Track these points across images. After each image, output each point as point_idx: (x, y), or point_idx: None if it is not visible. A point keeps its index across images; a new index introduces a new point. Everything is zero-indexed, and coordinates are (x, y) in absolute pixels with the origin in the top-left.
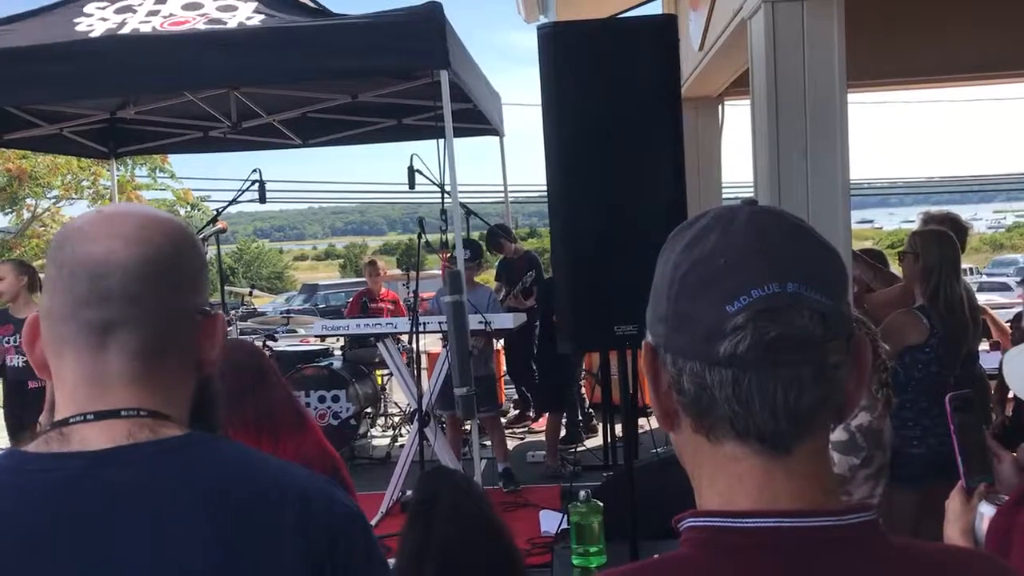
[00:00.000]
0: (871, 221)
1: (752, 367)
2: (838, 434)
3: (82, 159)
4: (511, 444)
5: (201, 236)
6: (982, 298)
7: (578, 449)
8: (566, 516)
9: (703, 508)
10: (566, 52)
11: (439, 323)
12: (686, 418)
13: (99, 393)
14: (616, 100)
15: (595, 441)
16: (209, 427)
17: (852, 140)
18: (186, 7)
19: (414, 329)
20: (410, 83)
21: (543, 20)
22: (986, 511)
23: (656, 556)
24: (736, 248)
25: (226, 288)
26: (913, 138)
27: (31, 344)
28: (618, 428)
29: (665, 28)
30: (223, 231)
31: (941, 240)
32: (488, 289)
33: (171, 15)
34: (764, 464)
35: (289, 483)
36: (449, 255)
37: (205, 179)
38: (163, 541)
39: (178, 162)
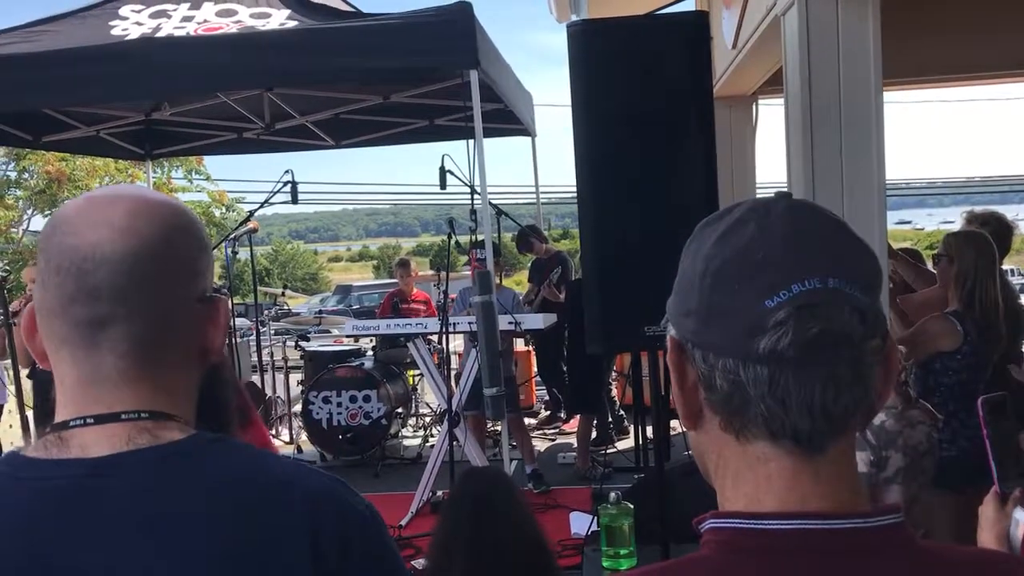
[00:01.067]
0: (909, 222)
1: (791, 364)
2: None
3: (120, 161)
4: (542, 445)
5: (233, 236)
6: None
7: (609, 451)
8: (596, 518)
9: (726, 509)
10: (596, 50)
11: (469, 324)
12: (714, 416)
13: (97, 393)
14: (647, 98)
15: (626, 443)
16: (218, 420)
17: (889, 139)
18: (220, 13)
19: (444, 329)
20: (441, 84)
21: (574, 19)
22: (1021, 517)
23: (673, 559)
24: (774, 242)
25: (259, 288)
26: (952, 137)
27: (31, 334)
28: (649, 430)
29: (696, 25)
30: (255, 231)
31: (977, 243)
32: (512, 292)
33: (205, 21)
34: (794, 465)
35: (296, 485)
36: (477, 255)
37: (240, 181)
38: (166, 552)
39: (213, 164)
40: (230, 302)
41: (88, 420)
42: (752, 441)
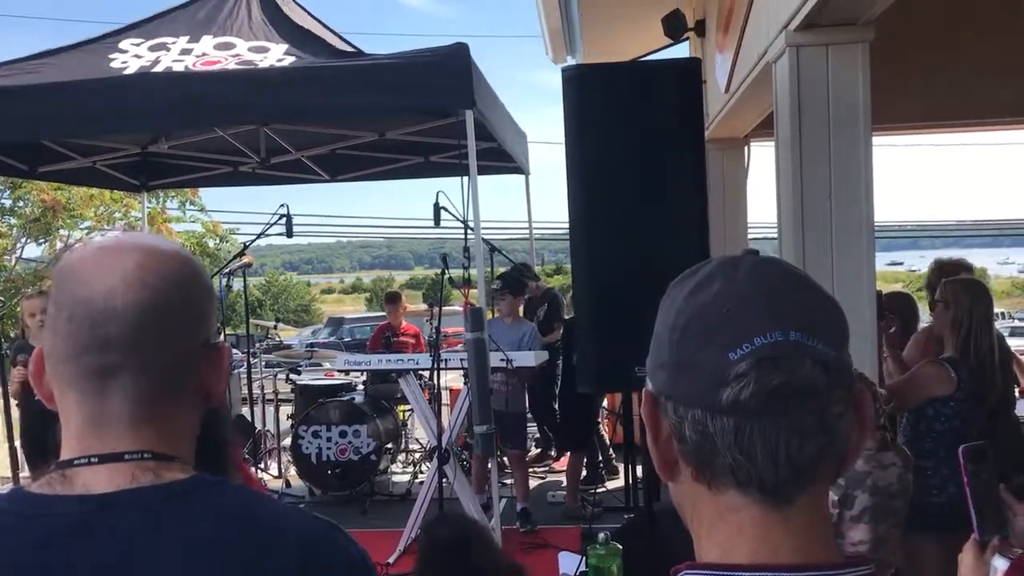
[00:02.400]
0: (901, 263)
1: (754, 415)
2: None
3: (115, 191)
4: (533, 483)
5: (227, 270)
6: (1014, 343)
7: (599, 490)
8: (584, 558)
9: (701, 560)
10: (590, 94)
11: (460, 360)
12: (687, 467)
13: (102, 435)
14: (639, 142)
15: (617, 483)
16: (216, 460)
17: (882, 182)
18: (218, 47)
19: (435, 365)
20: (436, 121)
21: (571, 61)
22: (1000, 565)
23: None
24: (739, 296)
25: (252, 320)
26: (944, 181)
27: (38, 377)
28: (639, 469)
29: (689, 71)
30: (249, 265)
31: (973, 290)
32: (530, 324)
33: (204, 54)
34: (764, 515)
35: (289, 530)
36: (470, 292)
37: (234, 212)
38: None
39: (207, 194)
40: (224, 335)
41: (92, 459)
42: (723, 491)
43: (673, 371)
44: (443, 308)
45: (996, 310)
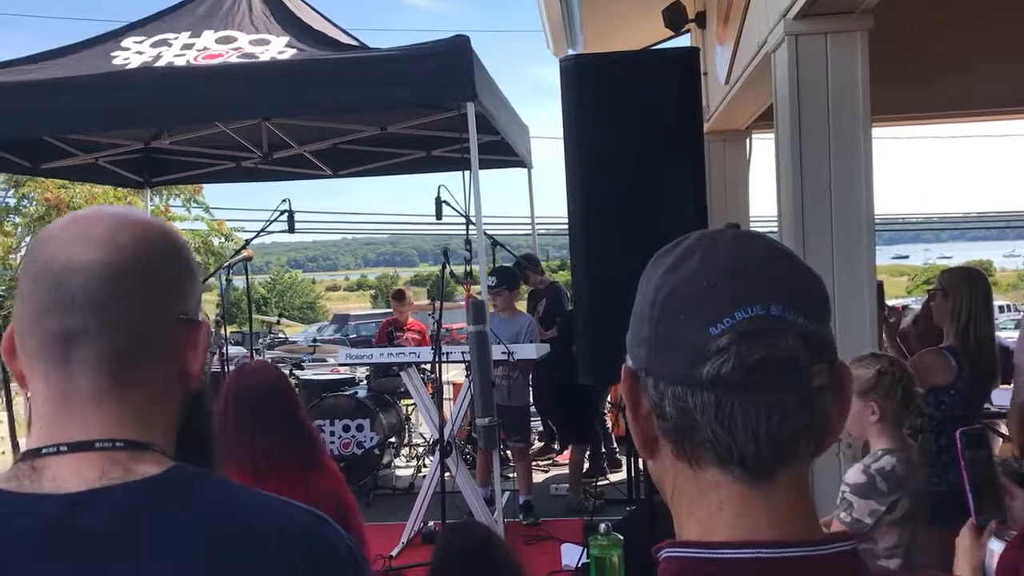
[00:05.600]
0: (907, 256)
1: (735, 390)
2: (857, 476)
3: (119, 189)
4: (536, 477)
5: (228, 265)
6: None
7: (601, 483)
8: (586, 550)
9: (681, 538)
10: (588, 84)
11: (462, 353)
12: (667, 444)
13: (69, 414)
14: (637, 132)
15: (620, 475)
16: (199, 450)
17: (885, 174)
18: (220, 41)
19: (437, 359)
20: (438, 115)
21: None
22: (996, 548)
23: None
24: (719, 270)
25: (255, 316)
26: (949, 173)
27: (9, 355)
28: (642, 462)
29: (687, 61)
30: (249, 259)
31: (972, 278)
32: (527, 317)
33: (205, 48)
34: (744, 492)
35: (274, 526)
36: (472, 286)
37: (238, 209)
38: None
39: (211, 192)
40: (225, 330)
41: (62, 448)
42: (703, 468)
43: (653, 346)
44: (447, 304)
45: (1002, 303)
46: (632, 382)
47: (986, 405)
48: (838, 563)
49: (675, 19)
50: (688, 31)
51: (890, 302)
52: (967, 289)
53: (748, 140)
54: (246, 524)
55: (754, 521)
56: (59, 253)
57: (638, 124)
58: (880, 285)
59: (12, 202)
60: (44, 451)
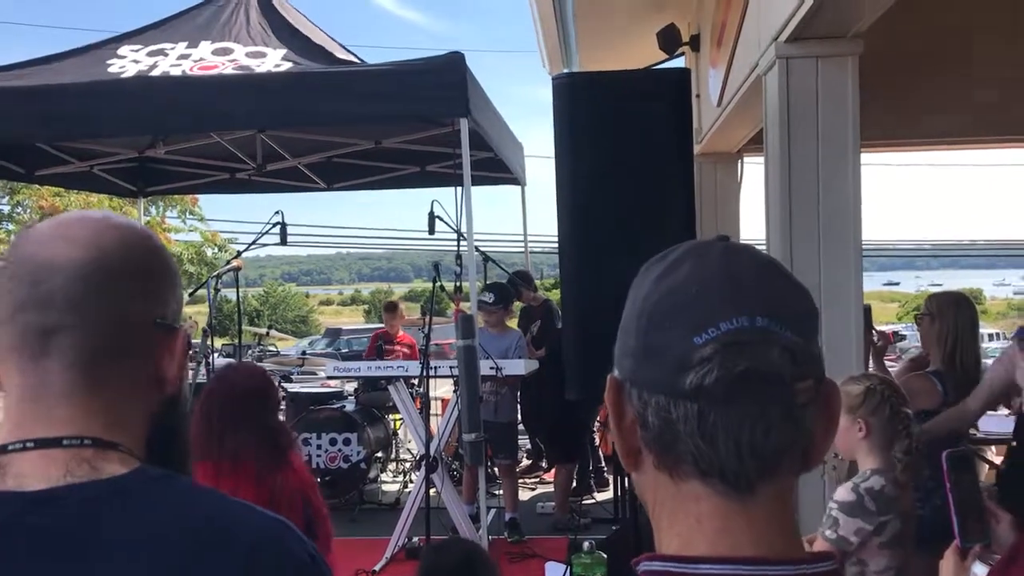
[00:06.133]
0: (897, 283)
1: (718, 402)
2: (845, 494)
3: (113, 199)
4: (524, 495)
5: (218, 275)
6: None
7: (588, 502)
8: (570, 568)
9: (661, 551)
10: (580, 102)
11: (450, 368)
12: (649, 455)
13: (38, 410)
14: (628, 150)
15: (607, 494)
16: (168, 455)
17: (877, 201)
18: (216, 52)
19: (425, 373)
20: (433, 130)
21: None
22: (980, 572)
23: None
24: (707, 280)
25: (245, 328)
26: (942, 200)
27: None
28: (628, 481)
29: (679, 82)
30: (238, 269)
31: (959, 303)
32: (517, 333)
33: (201, 59)
34: (725, 506)
35: (236, 530)
36: (462, 301)
37: (233, 221)
38: None
39: (207, 204)
40: (212, 340)
41: (28, 444)
42: (685, 480)
43: (638, 356)
44: (440, 320)
45: (991, 331)
46: (617, 392)
47: (971, 431)
48: None
49: (669, 41)
50: (682, 53)
51: (881, 327)
52: (954, 314)
53: (739, 162)
54: (207, 528)
55: (734, 537)
56: (40, 251)
57: (629, 143)
58: (868, 309)
59: (6, 209)
60: (10, 447)
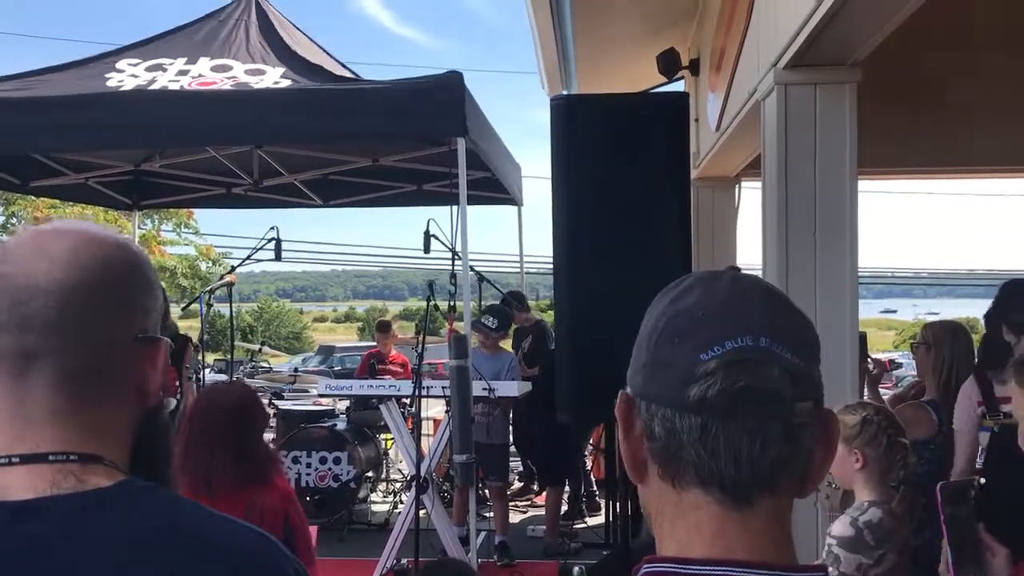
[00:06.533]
0: (894, 311)
1: (720, 415)
2: (844, 529)
3: (108, 211)
4: (514, 518)
5: (211, 289)
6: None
7: (579, 526)
8: None
9: (660, 554)
10: (578, 123)
11: (442, 388)
12: (654, 465)
13: (23, 429)
14: (625, 173)
15: (598, 519)
16: (152, 466)
17: (875, 229)
18: (215, 69)
19: (417, 393)
20: (430, 149)
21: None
22: None
23: None
24: (715, 304)
25: (237, 344)
26: (940, 229)
27: None
28: (619, 505)
29: (677, 105)
30: (232, 283)
31: (955, 332)
32: (510, 355)
33: (200, 75)
34: (723, 514)
35: (219, 543)
36: (456, 320)
37: (228, 236)
38: None
39: (202, 219)
40: (203, 355)
41: (14, 459)
42: (686, 489)
43: (648, 371)
44: (434, 339)
45: None
46: (627, 407)
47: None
48: None
49: (669, 65)
50: (682, 78)
51: (877, 355)
52: (950, 343)
53: (737, 187)
54: (191, 540)
55: (730, 542)
56: (17, 272)
57: (626, 165)
58: (863, 336)
59: (1, 220)
60: None
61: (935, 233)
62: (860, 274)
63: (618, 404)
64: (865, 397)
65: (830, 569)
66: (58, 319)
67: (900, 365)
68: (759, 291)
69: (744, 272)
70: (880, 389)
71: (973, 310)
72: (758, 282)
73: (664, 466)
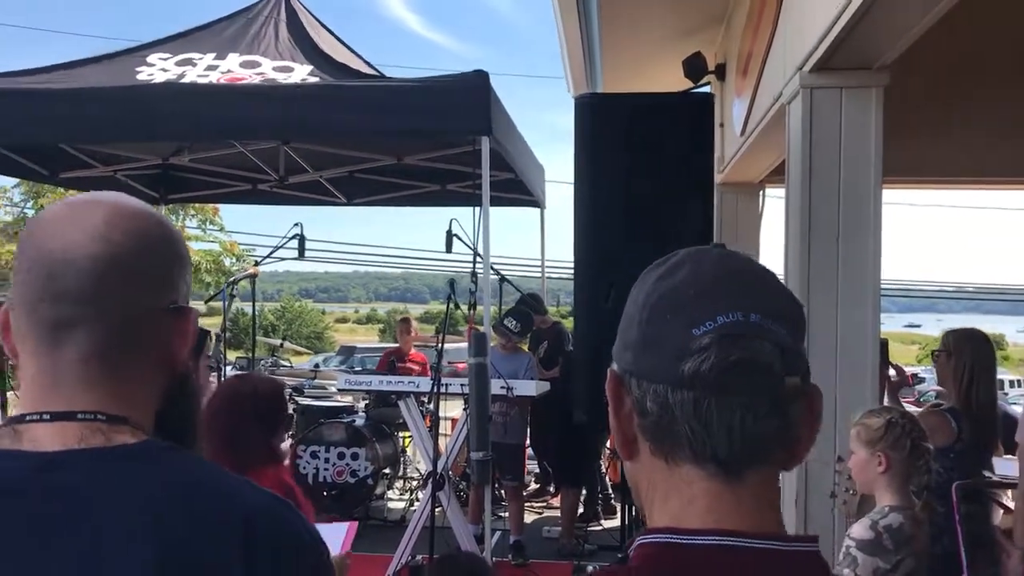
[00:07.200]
0: (919, 325)
1: (712, 389)
2: (863, 531)
3: None
4: (529, 518)
5: (234, 280)
6: None
7: (594, 528)
8: None
9: (653, 526)
10: (602, 122)
11: (461, 385)
12: (645, 442)
13: (54, 392)
14: (647, 173)
15: (614, 522)
16: (180, 430)
17: (900, 241)
18: (244, 64)
19: (435, 390)
20: (454, 149)
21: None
22: None
23: (599, 568)
24: (704, 280)
25: (258, 339)
26: (966, 242)
27: (5, 333)
28: (635, 510)
29: (702, 107)
30: (255, 276)
31: (976, 340)
32: (528, 355)
33: (229, 71)
34: (716, 488)
35: (236, 501)
36: (475, 322)
37: (252, 233)
38: (98, 555)
39: (227, 214)
40: (224, 346)
41: (44, 416)
42: (679, 464)
43: (639, 348)
44: (454, 339)
45: (1012, 377)
46: (616, 384)
47: (987, 473)
48: (804, 561)
49: (695, 70)
50: (708, 82)
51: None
52: (971, 350)
53: (761, 193)
54: (212, 497)
55: (723, 514)
56: (54, 245)
57: (650, 164)
58: (885, 343)
59: (31, 212)
60: (28, 418)
61: (962, 246)
62: (884, 286)
63: (607, 382)
64: (886, 403)
65: (846, 571)
66: (92, 290)
67: (923, 380)
68: (747, 268)
69: (729, 249)
70: (902, 402)
71: (999, 326)
72: (745, 259)
73: (656, 442)
